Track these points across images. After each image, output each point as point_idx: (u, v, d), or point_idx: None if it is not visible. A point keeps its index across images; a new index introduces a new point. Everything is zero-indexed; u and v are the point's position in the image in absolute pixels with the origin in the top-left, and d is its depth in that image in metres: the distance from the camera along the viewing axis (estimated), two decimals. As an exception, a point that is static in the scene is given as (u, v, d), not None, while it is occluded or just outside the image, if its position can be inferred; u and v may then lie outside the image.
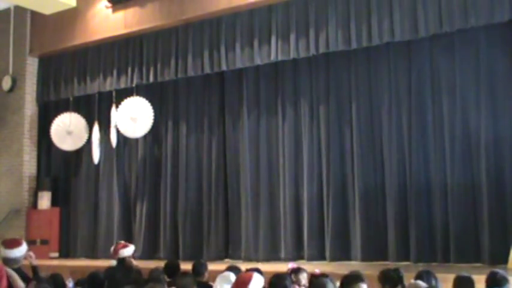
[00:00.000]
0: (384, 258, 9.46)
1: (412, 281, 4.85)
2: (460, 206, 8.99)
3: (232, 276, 5.60)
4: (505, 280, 5.15)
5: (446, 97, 9.30)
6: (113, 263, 7.85)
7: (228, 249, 11.22)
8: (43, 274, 6.37)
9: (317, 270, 6.22)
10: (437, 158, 9.31)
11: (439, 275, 5.39)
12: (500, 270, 5.34)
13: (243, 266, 6.59)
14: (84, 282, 5.87)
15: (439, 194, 9.20)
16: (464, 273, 5.35)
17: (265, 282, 4.97)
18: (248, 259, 10.62)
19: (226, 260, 10.88)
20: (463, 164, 9.08)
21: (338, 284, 4.99)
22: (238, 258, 10.83)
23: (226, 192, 11.34)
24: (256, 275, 4.87)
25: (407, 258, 9.25)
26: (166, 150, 12.06)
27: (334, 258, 9.88)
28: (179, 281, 5.43)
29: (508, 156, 8.75)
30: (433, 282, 5.11)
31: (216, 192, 11.38)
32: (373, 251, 9.61)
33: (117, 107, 12.00)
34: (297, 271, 6.30)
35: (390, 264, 8.96)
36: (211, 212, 11.35)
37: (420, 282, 4.69)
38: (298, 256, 10.21)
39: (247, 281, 4.79)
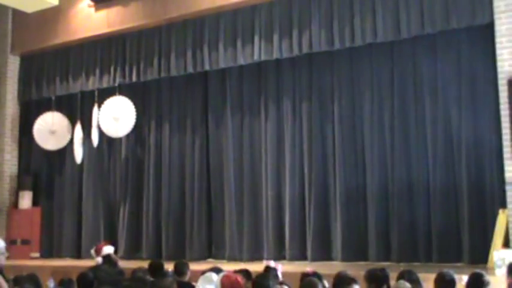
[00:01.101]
0: (365, 258, 9.51)
1: (401, 281, 4.86)
2: (442, 206, 9.06)
3: (215, 277, 5.60)
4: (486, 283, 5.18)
5: (428, 98, 9.37)
6: (99, 261, 7.82)
7: (211, 249, 11.22)
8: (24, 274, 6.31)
9: (308, 269, 6.23)
10: (419, 158, 9.37)
11: (420, 275, 5.41)
12: (481, 271, 5.37)
13: (227, 266, 6.60)
14: (67, 283, 5.82)
15: (420, 195, 9.26)
16: (445, 271, 5.37)
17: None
18: (232, 259, 10.62)
19: (210, 259, 10.89)
20: (444, 165, 9.15)
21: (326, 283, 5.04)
22: (222, 258, 10.83)
23: (209, 192, 11.33)
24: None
25: (388, 259, 9.29)
26: (150, 150, 12.00)
27: (315, 259, 9.90)
28: (160, 281, 5.42)
29: (488, 157, 8.82)
30: (415, 281, 5.13)
31: (199, 191, 11.36)
32: (354, 251, 9.64)
33: (99, 106, 11.94)
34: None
35: (371, 265, 9.03)
36: (194, 212, 11.32)
37: (405, 282, 4.72)
38: (280, 256, 10.18)
39: (240, 285, 4.83)
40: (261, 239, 10.61)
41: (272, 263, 6.66)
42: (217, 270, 6.01)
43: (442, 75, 9.29)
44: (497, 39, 8.47)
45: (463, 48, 9.17)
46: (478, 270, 5.30)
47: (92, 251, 8.18)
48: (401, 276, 5.23)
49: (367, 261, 9.37)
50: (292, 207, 10.28)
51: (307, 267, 6.97)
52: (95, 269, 6.82)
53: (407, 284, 4.62)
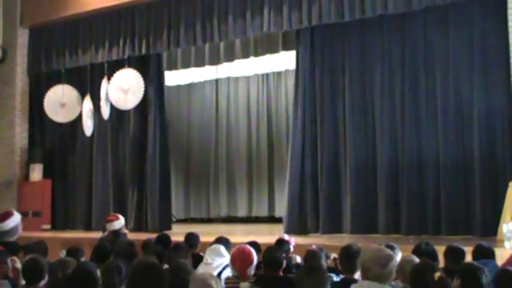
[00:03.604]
0: (374, 231, 9.52)
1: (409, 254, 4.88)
2: (452, 179, 9.04)
3: (223, 249, 5.62)
4: (491, 252, 5.23)
5: (439, 70, 9.30)
6: (107, 232, 7.85)
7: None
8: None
9: (314, 246, 6.27)
10: (430, 131, 9.33)
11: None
12: (485, 243, 5.42)
13: (235, 238, 6.61)
14: (76, 251, 5.84)
15: (431, 167, 9.24)
16: (456, 244, 5.40)
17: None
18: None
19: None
20: (455, 137, 9.11)
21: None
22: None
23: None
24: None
25: (397, 231, 9.31)
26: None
27: (326, 231, 9.91)
28: (175, 253, 5.45)
29: (500, 129, 8.78)
30: (431, 252, 5.16)
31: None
32: (364, 224, 9.65)
33: (109, 79, 11.93)
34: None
35: (380, 237, 9.05)
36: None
37: (413, 255, 4.73)
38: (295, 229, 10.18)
39: (250, 255, 4.86)
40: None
41: (286, 236, 6.69)
42: (224, 242, 6.03)
43: (453, 48, 9.21)
44: (510, 11, 8.38)
45: (475, 20, 9.07)
46: (455, 244, 5.35)
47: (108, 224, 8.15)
48: (418, 247, 5.26)
49: (377, 234, 9.40)
50: (303, 180, 10.26)
51: (318, 240, 7.01)
52: (112, 239, 6.87)
53: (415, 257, 4.62)
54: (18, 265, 5.15)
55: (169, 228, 11.40)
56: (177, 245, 6.14)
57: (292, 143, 10.43)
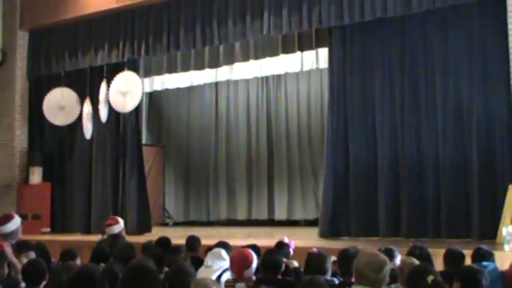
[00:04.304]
0: (375, 234, 9.51)
1: (408, 257, 4.88)
2: (452, 182, 9.02)
3: (223, 252, 5.62)
4: (490, 255, 5.23)
5: (439, 73, 9.29)
6: (105, 235, 7.84)
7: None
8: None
9: (314, 249, 6.25)
10: (429, 133, 9.32)
11: (429, 251, 5.43)
12: (485, 246, 5.43)
13: (235, 241, 6.61)
14: (70, 254, 5.83)
15: (430, 170, 9.23)
16: (455, 247, 5.40)
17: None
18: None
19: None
20: (454, 140, 9.10)
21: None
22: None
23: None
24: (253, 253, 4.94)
25: (397, 234, 9.29)
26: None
27: (325, 235, 9.85)
28: (174, 256, 5.44)
29: (499, 132, 8.77)
30: (426, 256, 5.15)
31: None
32: (364, 227, 9.63)
33: (108, 81, 11.93)
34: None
35: (381, 240, 9.05)
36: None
37: (412, 258, 4.72)
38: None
39: (248, 258, 4.85)
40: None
41: (286, 239, 6.68)
42: (224, 246, 6.02)
43: (453, 50, 9.20)
44: (509, 14, 8.39)
45: (474, 22, 9.06)
46: (455, 247, 5.35)
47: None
48: (412, 251, 5.24)
49: (378, 237, 9.40)
50: (338, 181, 10.03)
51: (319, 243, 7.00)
52: (112, 242, 6.85)
53: (415, 260, 4.62)
54: None
55: (149, 230, 11.64)
56: (176, 247, 6.13)
57: (327, 144, 10.16)
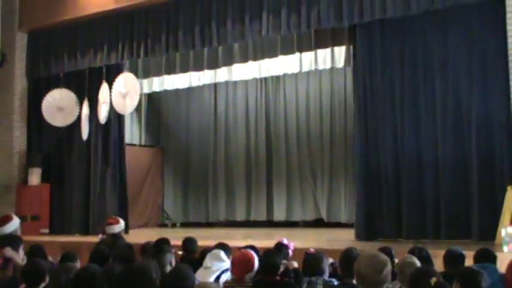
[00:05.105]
0: (375, 235, 9.49)
1: (409, 255, 4.87)
2: (451, 183, 9.02)
3: (223, 254, 5.62)
4: (492, 257, 5.22)
5: (438, 74, 9.29)
6: (103, 236, 7.85)
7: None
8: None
9: (311, 249, 6.25)
10: (429, 134, 9.31)
11: (429, 252, 5.42)
12: (488, 247, 5.41)
13: (234, 243, 6.60)
14: (70, 257, 5.81)
15: (430, 171, 9.22)
16: (455, 248, 5.40)
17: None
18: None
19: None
20: (454, 141, 9.10)
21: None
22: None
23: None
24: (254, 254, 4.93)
25: (397, 236, 9.29)
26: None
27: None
28: (159, 257, 5.33)
29: (498, 133, 8.77)
30: (426, 257, 5.15)
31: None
32: (364, 229, 9.61)
33: (107, 83, 11.92)
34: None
35: (382, 241, 9.03)
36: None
37: (413, 257, 4.72)
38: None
39: (251, 262, 4.83)
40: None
41: (285, 240, 6.68)
42: (223, 247, 6.01)
43: (452, 51, 9.20)
44: (508, 15, 8.39)
45: (474, 24, 9.07)
46: (455, 248, 5.34)
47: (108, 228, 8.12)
48: (411, 252, 5.23)
49: (378, 239, 9.37)
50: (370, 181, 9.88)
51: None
52: (112, 242, 6.84)
53: (415, 259, 4.61)
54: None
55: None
56: (164, 248, 6.03)
57: (357, 145, 9.97)
